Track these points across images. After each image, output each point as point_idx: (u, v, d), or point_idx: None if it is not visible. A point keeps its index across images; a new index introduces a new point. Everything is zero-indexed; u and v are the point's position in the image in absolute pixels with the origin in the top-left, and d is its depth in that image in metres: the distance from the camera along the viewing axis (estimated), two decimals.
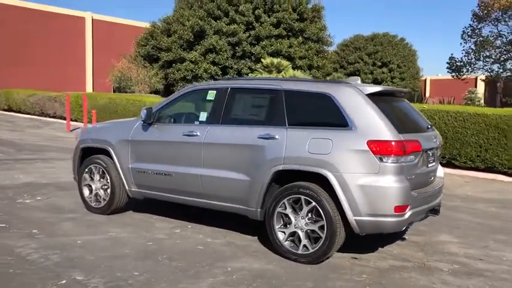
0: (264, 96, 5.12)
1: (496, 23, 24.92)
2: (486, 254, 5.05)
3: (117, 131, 5.97)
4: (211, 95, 5.35)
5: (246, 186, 4.87)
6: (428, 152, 4.79)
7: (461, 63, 26.68)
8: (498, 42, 25.03)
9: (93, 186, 6.15)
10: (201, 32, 27.12)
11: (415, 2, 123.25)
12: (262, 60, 24.83)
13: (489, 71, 25.99)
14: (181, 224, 5.78)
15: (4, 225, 5.49)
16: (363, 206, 4.25)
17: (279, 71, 24.08)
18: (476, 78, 43.83)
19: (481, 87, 43.96)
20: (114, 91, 28.48)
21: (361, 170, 4.27)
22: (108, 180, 5.96)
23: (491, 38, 24.98)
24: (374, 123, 4.32)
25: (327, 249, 4.41)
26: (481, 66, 26.21)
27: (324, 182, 4.44)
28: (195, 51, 27.00)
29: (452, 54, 33.14)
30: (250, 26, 27.89)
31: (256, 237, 5.33)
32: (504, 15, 24.27)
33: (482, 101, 35.68)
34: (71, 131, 16.98)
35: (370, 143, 4.24)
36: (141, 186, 5.75)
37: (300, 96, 4.78)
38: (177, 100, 5.69)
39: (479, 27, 25.32)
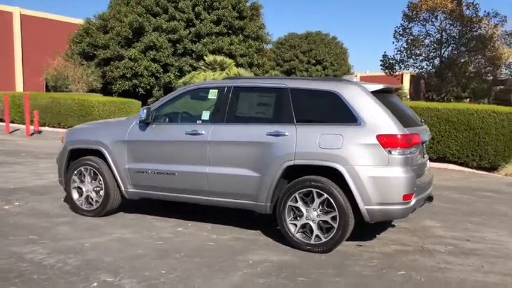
0: (269, 95, 5.30)
1: (424, 23, 26.70)
2: (470, 235, 5.57)
3: (110, 131, 5.88)
4: (212, 94, 5.44)
5: (255, 182, 5.03)
6: (423, 144, 5.21)
7: (394, 61, 28.33)
8: (427, 41, 26.84)
9: (84, 189, 6.02)
10: (140, 28, 26.59)
11: (345, 2, 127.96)
12: (205, 57, 24.79)
13: (419, 68, 27.92)
14: (179, 222, 5.82)
15: None
16: (374, 195, 4.56)
17: (222, 69, 24.15)
18: (402, 75, 46.46)
19: (406, 83, 46.69)
20: (48, 90, 27.19)
21: (372, 163, 4.58)
22: (101, 182, 5.87)
23: (420, 37, 26.73)
24: (381, 119, 4.64)
25: (340, 238, 4.69)
26: (412, 64, 28.03)
27: (333, 175, 4.71)
28: (134, 48, 26.43)
29: (385, 52, 35.09)
30: (191, 23, 27.77)
31: (258, 231, 5.51)
32: (431, 16, 26.10)
33: (408, 96, 38.00)
34: (31, 135, 16.12)
35: (380, 137, 4.57)
36: (139, 186, 5.72)
37: (307, 94, 5.01)
38: (175, 99, 5.71)
39: (409, 26, 27.02)
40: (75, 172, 6.02)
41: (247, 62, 28.84)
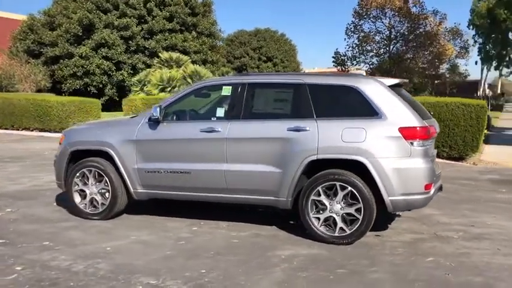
0: (286, 91, 5.34)
1: (374, 20, 27.66)
2: (472, 221, 5.87)
3: (116, 131, 5.70)
4: (226, 91, 5.40)
5: (275, 177, 5.05)
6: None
7: (345, 57, 29.14)
8: (378, 37, 27.83)
9: (87, 192, 5.79)
10: (90, 25, 25.79)
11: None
12: (160, 54, 24.40)
13: (369, 64, 28.91)
14: (191, 222, 5.74)
15: (4, 240, 4.98)
16: (397, 186, 4.72)
17: (179, 66, 23.84)
18: (348, 71, 47.78)
19: None
20: None
21: (395, 155, 4.74)
22: (108, 184, 5.68)
23: (371, 34, 27.66)
24: (401, 112, 4.81)
25: (364, 229, 4.82)
26: (363, 60, 28.97)
27: (354, 168, 4.82)
28: (85, 45, 25.58)
29: (337, 49, 35.97)
30: (143, 20, 27.25)
31: (274, 226, 5.53)
32: (380, 13, 27.06)
33: None
34: None
35: (402, 129, 4.73)
36: (150, 186, 5.58)
37: (326, 90, 5.09)
38: (185, 96, 5.62)
39: (360, 23, 27.91)
40: (78, 175, 5.79)
41: (201, 59, 28.69)
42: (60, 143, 6.06)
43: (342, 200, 4.87)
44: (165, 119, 5.52)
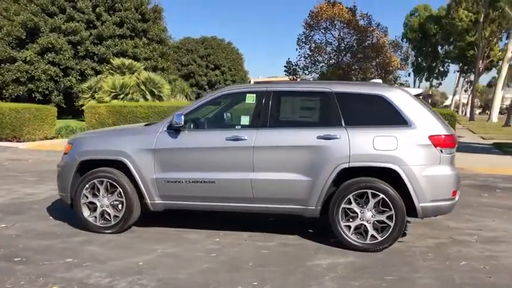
0: (313, 99, 5.34)
1: (325, 32, 28.42)
2: (478, 225, 6.13)
3: (132, 139, 5.44)
4: (250, 99, 5.32)
5: (305, 186, 5.03)
6: None
7: (297, 67, 29.69)
8: (329, 48, 28.60)
9: (98, 204, 5.48)
10: (35, 29, 24.56)
11: (237, 7, 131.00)
12: (111, 60, 23.62)
13: (319, 74, 29.59)
14: (208, 232, 5.58)
15: (20, 258, 4.61)
16: (428, 193, 4.85)
17: (131, 72, 23.24)
18: (293, 79, 48.64)
19: None
20: None
21: (425, 162, 4.87)
22: (122, 195, 5.40)
23: (322, 45, 28.39)
24: (429, 120, 4.96)
25: (396, 236, 4.91)
26: (314, 70, 29.64)
27: (385, 175, 4.91)
28: (29, 50, 24.24)
29: (289, 58, 36.70)
30: (92, 25, 26.27)
31: (296, 236, 5.49)
32: (330, 25, 27.86)
33: None
34: None
35: (432, 137, 4.87)
36: (169, 197, 5.37)
37: (354, 98, 5.15)
38: (206, 104, 5.49)
39: (311, 34, 28.54)
40: (87, 186, 5.46)
41: (152, 65, 28.09)
42: (66, 153, 5.69)
43: (374, 208, 4.93)
44: (185, 126, 5.35)
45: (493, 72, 63.67)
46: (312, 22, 27.84)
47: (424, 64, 66.97)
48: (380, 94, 5.08)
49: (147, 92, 21.99)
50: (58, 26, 24.67)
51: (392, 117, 5.00)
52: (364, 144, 4.92)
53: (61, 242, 5.17)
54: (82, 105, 23.37)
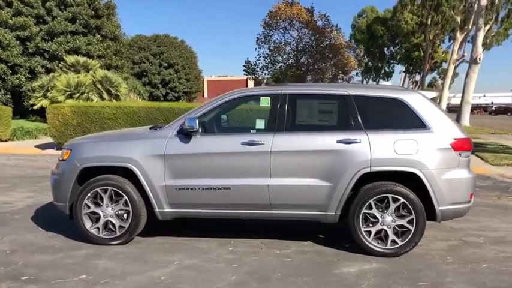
0: (330, 102, 5.22)
1: (284, 32, 28.48)
2: (480, 226, 6.24)
3: (139, 145, 5.11)
4: (265, 102, 5.15)
5: (324, 191, 4.92)
6: None
7: (256, 66, 29.59)
8: (288, 48, 28.69)
9: (101, 214, 5.13)
10: None
11: (191, 3, 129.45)
12: (65, 58, 22.55)
13: (278, 73, 29.67)
14: (219, 241, 5.35)
15: (27, 277, 4.22)
16: (448, 196, 4.86)
17: (87, 70, 22.28)
18: (247, 79, 48.66)
19: (250, 87, 49.06)
20: None
21: (445, 165, 4.88)
22: (128, 204, 5.07)
23: (282, 45, 28.43)
24: (447, 124, 4.98)
25: (417, 240, 4.89)
26: (273, 69, 29.59)
27: (405, 179, 4.88)
28: None
29: (248, 58, 36.38)
30: (41, 20, 24.95)
31: (309, 242, 5.38)
32: (288, 26, 27.99)
33: None
34: None
35: (451, 141, 4.89)
36: (179, 205, 5.10)
37: (372, 101, 5.08)
38: (217, 108, 5.24)
39: (270, 34, 28.52)
40: (89, 195, 5.09)
41: (106, 63, 27.09)
42: (63, 159, 5.27)
43: (394, 212, 4.89)
44: (197, 131, 5.08)
45: (434, 73, 66.89)
46: (270, 22, 27.88)
47: (371, 64, 68.90)
48: (398, 97, 5.05)
49: (103, 91, 21.12)
50: (4, 20, 23.26)
51: (410, 121, 4.97)
52: (385, 148, 4.86)
53: (64, 256, 4.79)
54: (33, 105, 22.25)
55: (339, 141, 4.91)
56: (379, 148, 4.87)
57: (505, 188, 9.16)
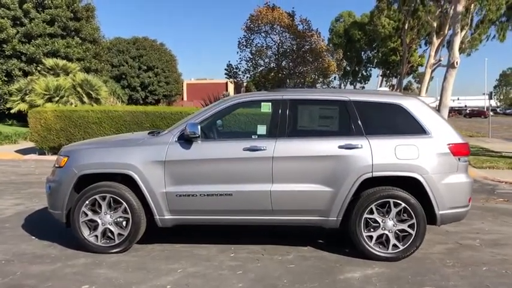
0: (331, 108, 5.24)
1: (265, 36, 28.51)
2: (473, 229, 6.33)
3: (138, 151, 5.03)
4: (266, 107, 5.13)
5: (327, 196, 4.93)
6: None
7: (237, 70, 29.52)
8: (270, 52, 28.72)
9: (99, 222, 5.03)
10: None
11: (169, 6, 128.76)
12: (43, 61, 22.14)
13: (259, 77, 29.68)
14: (218, 248, 5.31)
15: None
16: (447, 200, 4.93)
17: (66, 74, 21.92)
18: (226, 83, 48.56)
19: (231, 90, 49.03)
20: None
21: (444, 170, 4.94)
22: (128, 211, 4.99)
23: (263, 49, 28.43)
24: (445, 129, 5.05)
25: (419, 244, 4.94)
26: (255, 73, 29.56)
27: (406, 184, 4.93)
28: None
29: (229, 61, 36.12)
30: (18, 22, 24.42)
31: (309, 247, 5.38)
32: (270, 30, 28.02)
33: None
34: None
35: (450, 146, 4.97)
36: (180, 212, 5.04)
37: (372, 107, 5.11)
38: (218, 113, 5.20)
39: (252, 38, 28.51)
40: (87, 203, 4.99)
41: (85, 66, 26.65)
42: (60, 166, 5.15)
43: (395, 217, 4.93)
44: (198, 137, 5.04)
45: (410, 77, 68.04)
46: (252, 25, 27.89)
47: (349, 68, 69.63)
48: (397, 103, 5.10)
49: (83, 95, 20.77)
50: None
51: (410, 126, 5.03)
52: (386, 153, 4.90)
53: (63, 265, 4.67)
54: (10, 109, 21.75)
55: (340, 147, 4.93)
56: (381, 153, 4.90)
57: (491, 191, 9.35)
